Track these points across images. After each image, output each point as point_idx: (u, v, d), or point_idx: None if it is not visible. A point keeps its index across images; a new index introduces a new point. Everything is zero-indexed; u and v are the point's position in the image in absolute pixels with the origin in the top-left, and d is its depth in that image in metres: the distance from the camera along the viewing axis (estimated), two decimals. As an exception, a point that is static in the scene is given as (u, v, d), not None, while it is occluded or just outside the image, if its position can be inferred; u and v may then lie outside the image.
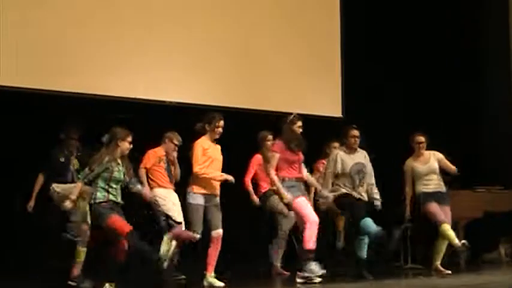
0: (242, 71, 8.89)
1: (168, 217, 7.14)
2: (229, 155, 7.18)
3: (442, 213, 7.64)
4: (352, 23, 9.85)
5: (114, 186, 6.09)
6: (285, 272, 7.59)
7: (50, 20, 7.57)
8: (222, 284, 6.47)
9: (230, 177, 6.51)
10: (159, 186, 7.27)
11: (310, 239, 6.61)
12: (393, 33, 10.20)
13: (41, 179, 6.97)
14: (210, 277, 6.50)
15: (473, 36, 10.53)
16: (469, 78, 10.33)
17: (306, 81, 9.41)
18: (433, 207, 7.67)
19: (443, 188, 7.81)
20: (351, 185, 7.27)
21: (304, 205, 6.75)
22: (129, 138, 6.18)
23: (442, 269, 7.66)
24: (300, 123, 6.95)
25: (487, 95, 10.45)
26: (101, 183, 6.04)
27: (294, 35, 9.41)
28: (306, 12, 9.59)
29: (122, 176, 6.15)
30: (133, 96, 8.06)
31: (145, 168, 7.25)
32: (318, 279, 6.58)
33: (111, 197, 6.05)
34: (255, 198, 7.66)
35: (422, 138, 7.84)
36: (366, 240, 7.20)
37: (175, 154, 7.40)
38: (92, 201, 6.02)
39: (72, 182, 6.81)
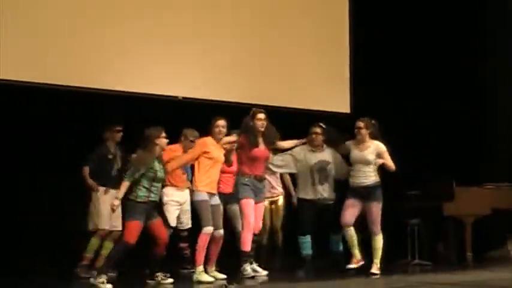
0: (250, 66, 8.89)
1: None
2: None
3: (351, 215, 7.19)
4: (362, 18, 9.84)
5: (157, 185, 6.31)
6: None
7: (57, 13, 7.61)
8: (224, 275, 6.72)
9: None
10: (172, 185, 7.20)
11: (246, 242, 6.83)
12: (403, 28, 10.17)
13: (87, 170, 7.18)
14: (211, 271, 6.75)
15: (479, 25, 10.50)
16: (478, 72, 10.29)
17: (314, 77, 9.41)
18: (347, 206, 7.23)
19: (374, 182, 7.27)
20: (311, 183, 7.33)
21: (247, 207, 6.88)
22: (163, 134, 6.40)
23: (374, 268, 7.24)
24: (259, 116, 6.97)
25: (496, 89, 10.40)
26: (144, 183, 6.23)
27: (303, 31, 9.41)
28: (314, 6, 9.58)
29: (163, 175, 6.40)
30: (144, 92, 8.09)
31: None
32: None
33: (152, 196, 6.28)
34: None
35: (360, 124, 7.33)
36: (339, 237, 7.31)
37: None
38: (132, 197, 6.21)
39: (115, 179, 7.03)
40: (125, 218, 6.32)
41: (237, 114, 7.08)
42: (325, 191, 7.38)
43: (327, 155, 7.44)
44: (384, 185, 8.01)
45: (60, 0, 7.67)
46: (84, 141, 7.64)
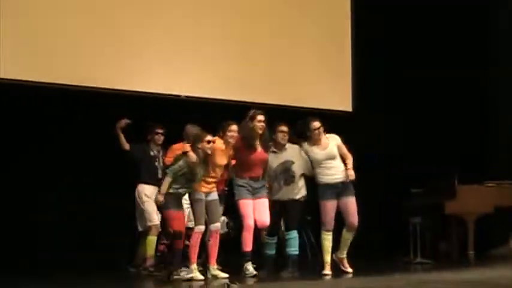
0: (252, 65, 8.88)
1: None
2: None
3: (333, 219, 6.96)
4: (363, 16, 9.83)
5: (190, 185, 6.56)
6: None
7: (59, 11, 7.61)
8: (226, 274, 6.69)
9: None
10: None
11: (246, 242, 6.82)
12: (404, 27, 10.17)
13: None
14: (213, 269, 6.73)
15: (484, 28, 10.49)
16: (480, 70, 10.28)
17: (316, 75, 9.39)
18: (328, 209, 6.97)
19: (346, 177, 6.99)
20: (277, 185, 7.10)
21: (244, 208, 6.87)
22: (207, 138, 6.55)
23: (345, 264, 7.17)
24: (260, 117, 6.87)
25: (497, 87, 10.40)
26: (181, 180, 6.49)
27: (305, 29, 9.39)
28: (316, 7, 9.57)
29: (200, 178, 6.60)
30: (146, 91, 8.10)
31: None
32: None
33: (181, 191, 6.54)
34: None
35: (318, 124, 7.02)
36: (295, 235, 7.13)
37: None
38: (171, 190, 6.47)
39: (160, 180, 7.12)
40: (163, 209, 6.60)
41: (238, 113, 7.07)
42: (292, 192, 7.11)
43: (289, 154, 7.13)
44: (386, 183, 8.04)
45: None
46: (88, 141, 7.70)
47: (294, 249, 7.12)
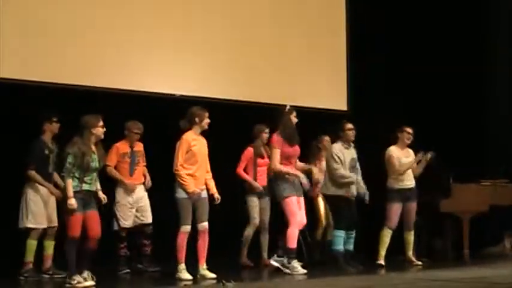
0: (246, 63, 8.88)
1: (115, 217, 7.20)
2: (233, 148, 7.25)
3: (397, 219, 7.71)
4: (358, 14, 9.82)
5: (90, 175, 6.12)
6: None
7: (57, 12, 7.62)
8: (214, 275, 6.60)
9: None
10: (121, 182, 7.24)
11: (292, 239, 6.81)
12: (399, 25, 10.16)
13: (36, 175, 6.83)
14: (203, 269, 6.65)
15: (479, 25, 10.49)
16: (475, 67, 10.27)
17: (311, 74, 9.39)
18: (394, 209, 7.70)
19: (413, 184, 7.85)
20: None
21: (292, 205, 6.86)
22: (101, 123, 6.18)
23: (413, 259, 7.93)
24: (295, 113, 7.02)
25: (493, 86, 10.41)
26: (76, 173, 6.05)
27: (299, 27, 9.39)
28: (311, 4, 9.58)
29: (98, 164, 6.19)
30: (139, 89, 8.09)
31: (110, 165, 7.14)
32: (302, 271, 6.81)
33: (85, 186, 6.10)
34: (257, 184, 7.61)
35: (411, 130, 7.87)
36: (353, 234, 7.26)
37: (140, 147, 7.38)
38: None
39: (51, 174, 6.88)
40: (65, 212, 6.06)
41: (233, 112, 7.06)
42: (355, 188, 7.40)
43: (354, 152, 7.50)
44: (380, 182, 8.02)
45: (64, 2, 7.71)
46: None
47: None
